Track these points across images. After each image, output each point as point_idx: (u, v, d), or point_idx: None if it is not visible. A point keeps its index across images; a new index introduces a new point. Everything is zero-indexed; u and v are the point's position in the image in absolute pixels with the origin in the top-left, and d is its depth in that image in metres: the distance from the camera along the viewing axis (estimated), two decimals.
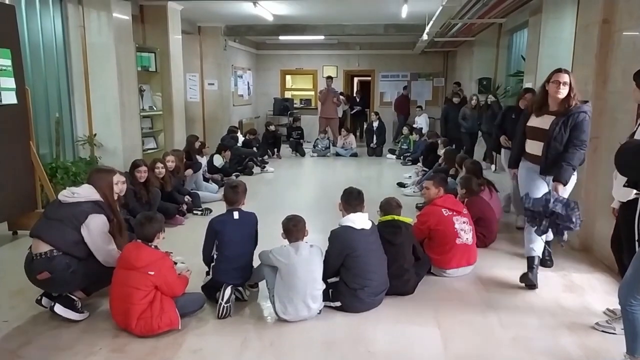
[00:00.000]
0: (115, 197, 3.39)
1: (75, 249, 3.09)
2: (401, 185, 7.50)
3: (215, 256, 3.42)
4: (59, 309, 3.07)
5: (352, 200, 3.44)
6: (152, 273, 2.92)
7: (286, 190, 7.53)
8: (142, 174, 4.99)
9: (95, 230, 3.13)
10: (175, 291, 3.06)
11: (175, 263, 3.91)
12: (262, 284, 3.47)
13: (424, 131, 10.95)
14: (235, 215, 3.46)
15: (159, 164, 5.51)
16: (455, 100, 9.56)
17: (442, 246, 3.90)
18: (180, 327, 2.99)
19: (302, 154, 11.14)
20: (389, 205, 3.73)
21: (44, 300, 3.21)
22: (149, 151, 7.65)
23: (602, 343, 2.90)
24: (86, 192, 3.21)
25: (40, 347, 2.84)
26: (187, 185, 6.35)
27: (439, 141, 8.09)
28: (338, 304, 3.28)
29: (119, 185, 3.41)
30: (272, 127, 10.75)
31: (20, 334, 3.00)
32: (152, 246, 3.06)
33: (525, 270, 3.71)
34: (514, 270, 4.05)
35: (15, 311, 3.27)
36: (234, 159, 8.38)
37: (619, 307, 3.10)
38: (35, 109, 5.44)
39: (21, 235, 4.73)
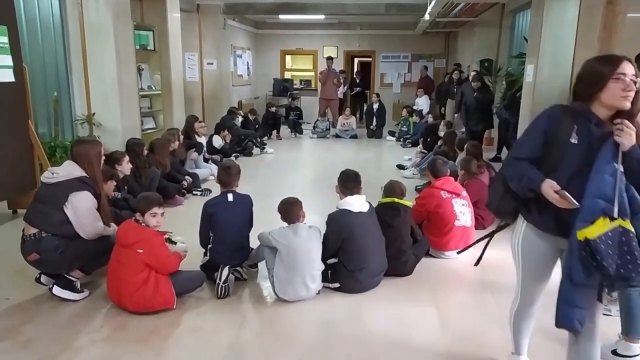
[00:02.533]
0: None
1: (63, 229, 3.07)
2: (401, 167, 7.49)
3: (211, 237, 3.43)
4: (57, 290, 3.09)
5: (349, 182, 3.43)
6: (141, 251, 2.92)
7: (286, 171, 7.53)
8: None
9: (80, 207, 3.08)
10: (169, 268, 3.04)
11: (175, 243, 3.94)
12: (262, 264, 3.49)
13: (424, 112, 10.88)
14: (230, 197, 3.46)
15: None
16: (475, 85, 7.62)
17: (441, 228, 3.92)
18: (175, 307, 3.01)
19: (300, 132, 11.15)
20: (392, 190, 3.69)
21: (43, 279, 3.24)
22: (148, 131, 7.61)
23: None
24: (66, 171, 3.13)
25: (41, 325, 2.88)
26: (187, 165, 6.34)
27: (442, 123, 8.05)
28: (337, 285, 3.31)
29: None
30: (273, 109, 10.72)
31: (21, 311, 3.03)
32: (143, 224, 3.04)
33: None
34: (510, 251, 4.07)
35: (17, 289, 3.30)
36: (233, 140, 8.36)
37: None
38: (33, 87, 5.39)
39: (21, 214, 4.73)
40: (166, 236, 3.71)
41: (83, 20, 6.29)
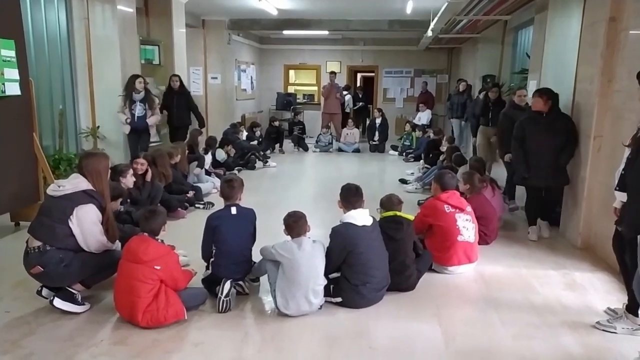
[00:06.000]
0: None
1: (68, 243, 3.07)
2: (403, 181, 7.49)
3: (214, 251, 3.42)
4: (58, 302, 3.07)
5: (350, 196, 3.43)
6: (159, 267, 2.94)
7: (288, 185, 7.53)
8: (140, 166, 4.99)
9: (85, 220, 3.08)
10: (179, 285, 3.09)
11: None
12: (264, 278, 3.47)
13: (425, 126, 10.89)
14: (233, 210, 3.45)
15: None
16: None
17: (443, 243, 3.90)
18: (186, 317, 3.01)
19: (305, 149, 11.11)
20: (390, 202, 3.72)
21: (44, 291, 3.21)
22: (152, 144, 7.62)
23: (603, 342, 2.90)
24: (72, 183, 3.12)
25: (42, 338, 2.86)
26: (189, 179, 6.36)
27: (444, 138, 8.07)
28: (339, 299, 3.28)
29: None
30: (276, 123, 10.76)
31: (22, 324, 3.01)
32: (159, 240, 3.08)
33: None
34: (515, 267, 4.07)
35: (18, 302, 3.28)
36: (236, 153, 8.39)
37: (620, 306, 3.12)
38: (39, 100, 5.44)
39: (23, 226, 4.74)
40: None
41: (89, 34, 6.38)
